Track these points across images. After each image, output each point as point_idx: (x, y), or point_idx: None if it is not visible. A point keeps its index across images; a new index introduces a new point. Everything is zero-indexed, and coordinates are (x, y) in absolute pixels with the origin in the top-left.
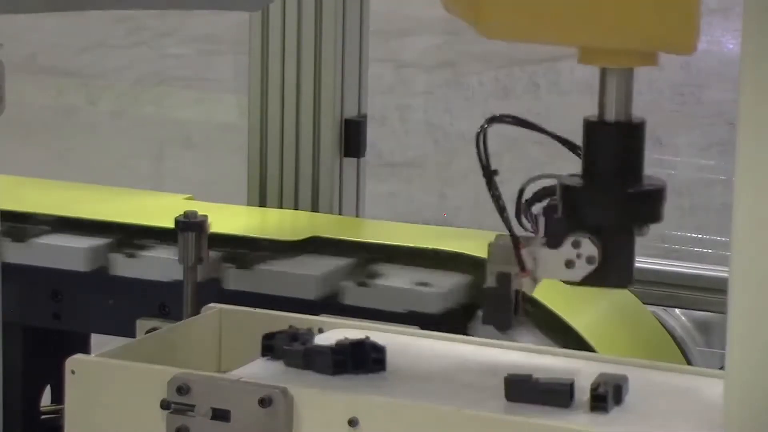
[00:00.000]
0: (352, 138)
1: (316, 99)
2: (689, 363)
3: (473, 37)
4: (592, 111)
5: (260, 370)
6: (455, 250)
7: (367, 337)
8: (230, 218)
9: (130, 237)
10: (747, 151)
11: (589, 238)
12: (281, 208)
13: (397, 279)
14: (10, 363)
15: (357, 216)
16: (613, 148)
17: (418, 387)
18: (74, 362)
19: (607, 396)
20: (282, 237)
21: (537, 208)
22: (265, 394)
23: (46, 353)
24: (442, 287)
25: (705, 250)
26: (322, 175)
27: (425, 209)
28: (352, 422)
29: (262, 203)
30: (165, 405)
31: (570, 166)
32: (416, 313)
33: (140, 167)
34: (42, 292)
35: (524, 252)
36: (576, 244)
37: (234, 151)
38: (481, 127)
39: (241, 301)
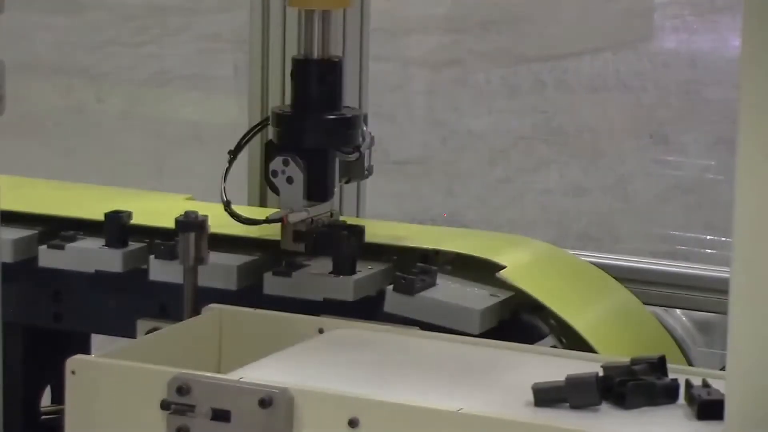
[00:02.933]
0: None
1: None
2: (690, 364)
3: (480, 36)
4: (598, 108)
5: (261, 370)
6: (451, 249)
7: None
8: (230, 218)
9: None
10: (748, 151)
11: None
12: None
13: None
14: (10, 363)
15: (357, 216)
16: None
17: (418, 387)
18: (74, 362)
19: None
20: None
21: None
22: (265, 395)
23: (47, 353)
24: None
25: (709, 251)
26: None
27: (433, 207)
28: (353, 422)
29: (263, 203)
30: (165, 405)
31: (576, 162)
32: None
33: (145, 166)
34: (43, 293)
35: None
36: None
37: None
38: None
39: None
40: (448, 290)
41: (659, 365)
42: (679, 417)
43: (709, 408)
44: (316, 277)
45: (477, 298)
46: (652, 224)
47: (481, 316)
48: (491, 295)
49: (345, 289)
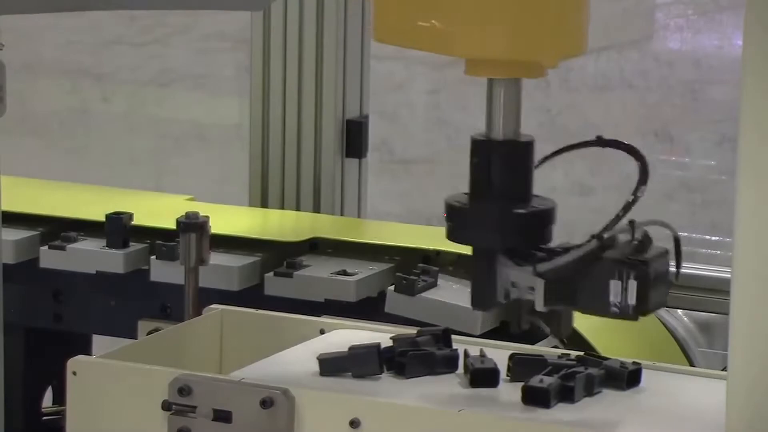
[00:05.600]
0: (354, 138)
1: (318, 99)
2: (691, 364)
3: None
4: (603, 107)
5: (262, 371)
6: (453, 250)
7: None
8: (232, 219)
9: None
10: (749, 151)
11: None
12: (283, 209)
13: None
14: (11, 364)
15: (359, 217)
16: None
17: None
18: (76, 363)
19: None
20: (283, 238)
21: None
22: (266, 395)
23: (48, 354)
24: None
25: (715, 251)
26: (324, 175)
27: (439, 206)
28: (354, 423)
29: (264, 204)
30: (166, 406)
31: (581, 161)
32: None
33: (148, 166)
34: (44, 294)
35: None
36: None
37: (241, 151)
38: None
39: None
40: (450, 291)
41: (443, 337)
42: (453, 384)
43: (481, 375)
44: (317, 278)
45: None
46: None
47: (483, 316)
48: None
49: (346, 289)
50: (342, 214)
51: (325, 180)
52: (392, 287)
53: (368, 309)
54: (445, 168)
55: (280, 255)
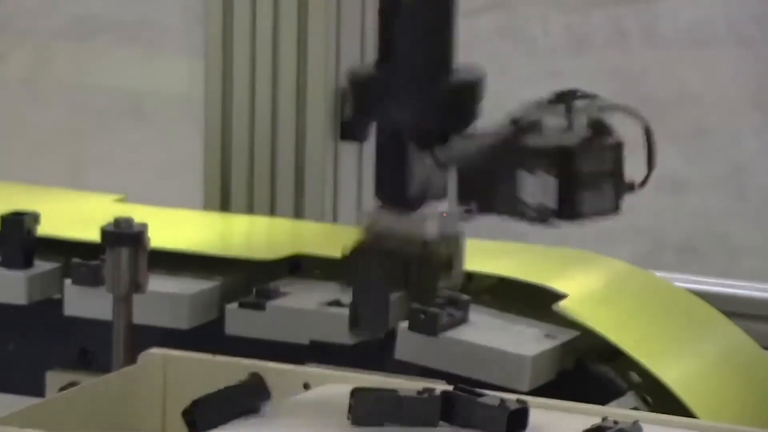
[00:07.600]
0: None
1: (301, 60)
2: None
3: None
4: (703, 69)
5: None
6: (490, 271)
7: None
8: (179, 228)
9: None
10: None
11: None
12: (251, 213)
13: None
14: None
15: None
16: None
17: None
18: None
19: None
20: (252, 255)
21: None
22: None
23: None
24: None
25: None
26: (309, 166)
27: None
28: None
29: (225, 206)
30: None
31: (673, 144)
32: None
33: (63, 152)
34: None
35: None
36: None
37: (194, 131)
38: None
39: None
40: (485, 329)
41: None
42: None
43: None
44: (300, 310)
45: (526, 339)
46: None
47: (533, 365)
48: (546, 335)
49: (340, 326)
50: (335, 221)
51: (311, 173)
52: (405, 324)
53: (371, 354)
54: None
55: (247, 279)
